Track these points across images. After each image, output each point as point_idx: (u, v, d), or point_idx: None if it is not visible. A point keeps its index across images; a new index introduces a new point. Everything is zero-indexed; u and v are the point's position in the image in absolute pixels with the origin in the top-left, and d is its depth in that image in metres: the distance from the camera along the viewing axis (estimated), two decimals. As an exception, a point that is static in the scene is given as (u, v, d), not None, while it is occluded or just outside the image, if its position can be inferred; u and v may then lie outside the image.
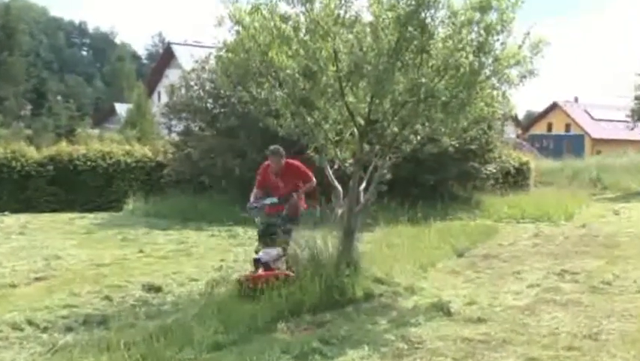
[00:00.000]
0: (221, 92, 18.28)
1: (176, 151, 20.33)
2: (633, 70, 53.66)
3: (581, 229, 15.73)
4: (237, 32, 8.90)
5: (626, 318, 7.88)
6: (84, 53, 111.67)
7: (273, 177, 9.54)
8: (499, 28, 8.31)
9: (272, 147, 9.67)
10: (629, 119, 35.57)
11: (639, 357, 6.56)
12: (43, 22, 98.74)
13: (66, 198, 19.92)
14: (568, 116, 66.75)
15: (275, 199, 9.42)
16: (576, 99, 72.05)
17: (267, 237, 9.31)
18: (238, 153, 18.18)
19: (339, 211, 9.43)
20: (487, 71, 8.52)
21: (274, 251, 9.05)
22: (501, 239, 14.17)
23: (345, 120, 9.35)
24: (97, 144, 22.62)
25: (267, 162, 9.68)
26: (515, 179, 24.31)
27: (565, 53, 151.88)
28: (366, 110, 8.74)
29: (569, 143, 55.37)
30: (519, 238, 14.29)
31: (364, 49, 8.25)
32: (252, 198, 9.57)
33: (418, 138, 9.57)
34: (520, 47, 8.56)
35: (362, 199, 9.42)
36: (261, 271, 8.78)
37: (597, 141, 58.66)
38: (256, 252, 9.12)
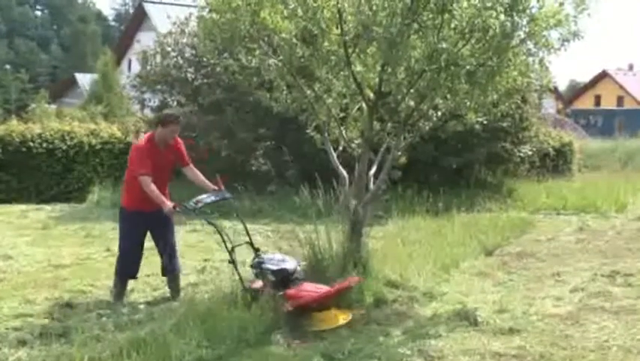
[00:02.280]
0: (204, 59, 18.28)
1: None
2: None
3: (636, 222, 15.74)
4: (223, -12, 8.92)
5: (690, 329, 7.90)
6: (38, 12, 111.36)
7: (162, 150, 9.12)
8: (535, -19, 8.33)
9: (172, 111, 9.59)
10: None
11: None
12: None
13: (18, 187, 19.88)
14: (620, 87, 66.62)
15: (212, 196, 8.92)
16: (631, 67, 71.88)
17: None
18: (224, 132, 18.23)
19: (346, 202, 9.47)
20: (522, 34, 8.50)
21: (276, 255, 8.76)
22: (538, 234, 14.20)
23: (351, 93, 9.38)
24: (55, 122, 22.59)
25: (147, 134, 9.42)
26: (555, 162, 24.37)
27: (617, 14, 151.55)
28: (377, 80, 8.77)
29: (622, 119, 55.18)
30: (560, 233, 14.32)
31: (374, 8, 8.26)
32: (155, 191, 8.74)
33: (439, 113, 9.60)
34: (561, 4, 8.55)
35: (372, 187, 9.46)
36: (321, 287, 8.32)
37: (657, 117, 58.61)
38: (255, 266, 8.51)
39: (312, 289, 8.27)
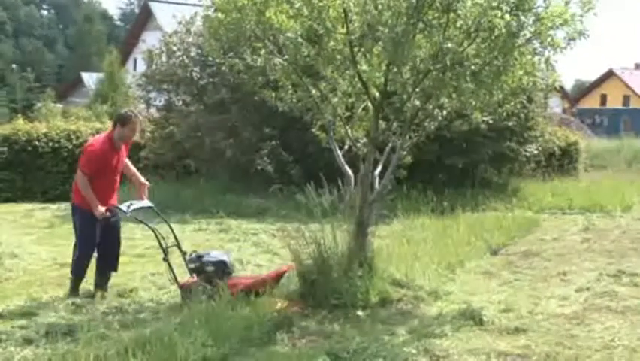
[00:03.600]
0: (210, 59, 18.29)
1: (155, 129, 20.38)
2: None
3: (641, 221, 15.74)
4: (228, -13, 8.91)
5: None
6: (44, 12, 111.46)
7: (118, 150, 9.25)
8: (541, -20, 8.30)
9: (129, 110, 9.78)
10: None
11: None
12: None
13: (23, 186, 19.90)
14: (626, 86, 66.50)
15: (141, 203, 9.30)
16: (637, 66, 71.76)
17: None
18: (229, 131, 18.23)
19: (351, 201, 9.46)
20: (527, 33, 8.47)
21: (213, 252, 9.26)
22: (544, 234, 14.19)
23: (356, 92, 9.37)
24: (60, 121, 22.62)
25: (104, 135, 9.43)
26: (561, 162, 24.32)
27: (623, 13, 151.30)
28: (382, 80, 8.75)
29: (628, 118, 55.03)
30: (565, 233, 14.31)
31: (379, 7, 8.25)
32: (89, 192, 8.95)
33: (444, 113, 9.58)
34: (567, 3, 8.51)
35: (377, 186, 9.45)
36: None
37: (662, 116, 58.43)
38: (194, 260, 8.93)
39: (250, 277, 9.09)
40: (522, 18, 8.20)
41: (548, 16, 8.39)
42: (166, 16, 34.54)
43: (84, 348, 6.78)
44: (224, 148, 17.94)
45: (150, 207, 9.37)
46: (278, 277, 8.90)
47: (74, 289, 9.22)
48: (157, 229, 9.01)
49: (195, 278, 8.79)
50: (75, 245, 9.37)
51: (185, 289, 8.75)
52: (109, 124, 21.88)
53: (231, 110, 18.27)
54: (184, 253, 9.01)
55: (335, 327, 7.91)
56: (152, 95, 21.41)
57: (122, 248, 11.59)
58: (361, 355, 7.02)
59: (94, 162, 9.00)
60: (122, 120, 9.21)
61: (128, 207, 9.00)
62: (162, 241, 8.96)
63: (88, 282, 9.69)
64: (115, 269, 9.57)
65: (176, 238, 9.18)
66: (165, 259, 8.91)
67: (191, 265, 8.87)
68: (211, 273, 8.67)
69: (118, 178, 9.36)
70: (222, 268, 8.75)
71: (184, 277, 9.03)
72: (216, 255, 9.00)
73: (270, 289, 8.55)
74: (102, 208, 8.89)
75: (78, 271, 9.28)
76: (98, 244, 9.28)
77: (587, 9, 8.45)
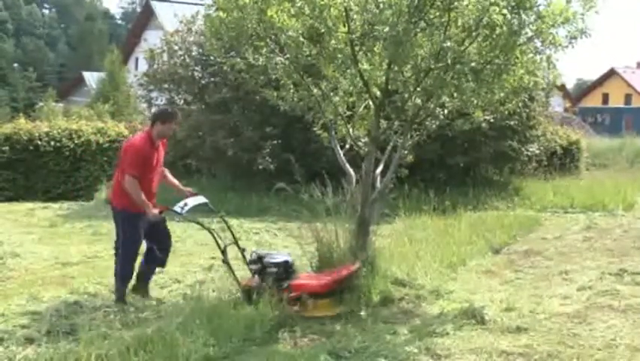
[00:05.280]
0: (211, 58, 18.28)
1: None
2: None
3: (642, 220, 15.72)
4: (229, -14, 8.91)
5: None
6: (45, 11, 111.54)
7: (157, 148, 8.96)
8: (542, -22, 8.28)
9: (169, 107, 9.55)
10: None
11: None
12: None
13: (25, 185, 19.93)
14: (628, 85, 66.46)
15: (196, 201, 8.92)
16: (639, 65, 71.60)
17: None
18: (231, 130, 18.22)
19: (352, 200, 9.45)
20: (529, 31, 8.46)
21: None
22: (545, 233, 14.18)
23: (358, 91, 9.37)
24: (62, 120, 22.61)
25: (142, 133, 9.08)
26: (562, 161, 24.35)
27: (625, 12, 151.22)
28: (383, 79, 8.75)
29: (629, 117, 55.06)
30: (567, 232, 14.29)
31: (380, 6, 8.24)
32: (140, 194, 8.61)
33: (446, 112, 9.58)
34: (569, 1, 8.50)
35: (379, 185, 9.45)
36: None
37: (664, 115, 58.43)
38: (255, 261, 8.63)
39: (315, 277, 8.66)
40: (523, 16, 8.17)
41: (549, 14, 8.37)
42: (167, 15, 34.65)
43: (86, 347, 6.78)
44: (226, 147, 17.94)
45: (205, 204, 8.99)
46: (350, 275, 8.57)
47: (122, 297, 8.91)
48: (214, 230, 8.66)
49: (256, 278, 8.48)
50: (117, 249, 9.06)
51: (246, 289, 8.42)
52: (111, 123, 22.07)
53: (233, 109, 18.28)
54: (243, 250, 8.71)
55: (336, 326, 7.91)
56: (154, 94, 21.44)
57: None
58: (363, 354, 7.03)
59: (140, 162, 8.64)
60: (163, 117, 8.94)
61: (182, 207, 8.59)
62: (220, 241, 8.57)
63: (88, 280, 9.72)
64: (163, 265, 9.34)
65: (234, 236, 8.89)
66: (225, 261, 8.54)
67: (253, 266, 8.55)
68: (275, 274, 8.37)
69: (157, 177, 9.05)
70: (286, 269, 8.46)
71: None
72: (278, 255, 8.71)
73: (343, 288, 8.46)
74: (155, 210, 8.64)
75: (125, 274, 8.97)
76: (151, 239, 9.05)
77: (588, 7, 8.44)
